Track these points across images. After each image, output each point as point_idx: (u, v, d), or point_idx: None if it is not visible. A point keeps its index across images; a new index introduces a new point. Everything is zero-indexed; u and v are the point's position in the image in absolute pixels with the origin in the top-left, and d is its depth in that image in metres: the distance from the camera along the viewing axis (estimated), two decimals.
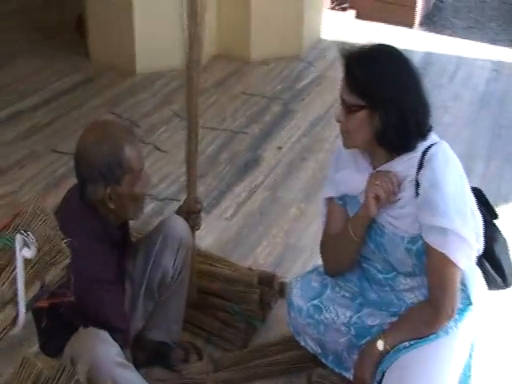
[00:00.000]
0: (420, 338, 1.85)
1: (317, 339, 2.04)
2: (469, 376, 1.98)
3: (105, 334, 1.77)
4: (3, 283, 1.20)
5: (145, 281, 2.07)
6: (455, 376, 1.87)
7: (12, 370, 1.45)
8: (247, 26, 4.75)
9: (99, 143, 1.82)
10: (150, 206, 3.06)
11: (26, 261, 1.22)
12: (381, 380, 1.88)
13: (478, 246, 1.86)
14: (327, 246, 2.03)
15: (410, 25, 5.90)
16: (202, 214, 2.30)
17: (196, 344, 2.31)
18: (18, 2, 5.67)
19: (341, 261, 2.01)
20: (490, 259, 1.98)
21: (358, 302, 2.02)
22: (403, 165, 1.83)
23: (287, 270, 2.74)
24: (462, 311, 1.90)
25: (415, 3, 5.87)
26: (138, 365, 1.99)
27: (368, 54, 1.82)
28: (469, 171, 1.81)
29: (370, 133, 1.80)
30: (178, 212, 2.24)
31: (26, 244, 1.19)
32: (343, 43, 5.10)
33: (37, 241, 1.24)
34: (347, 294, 2.03)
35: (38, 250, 1.22)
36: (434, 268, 1.81)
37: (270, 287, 2.47)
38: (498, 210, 2.06)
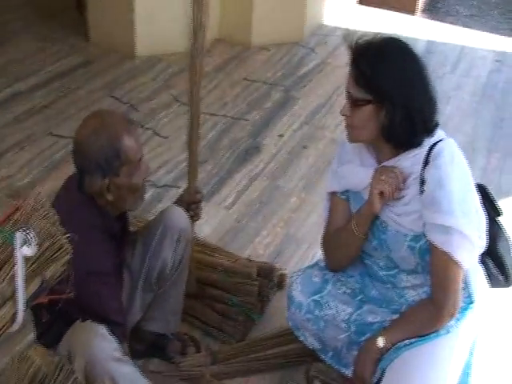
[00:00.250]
0: (421, 336, 1.84)
1: (316, 335, 2.03)
2: (469, 374, 1.97)
3: (102, 329, 1.75)
4: (3, 280, 1.18)
5: (143, 272, 2.05)
6: (456, 374, 1.86)
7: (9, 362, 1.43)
8: (249, 11, 4.69)
9: (97, 134, 1.78)
10: (149, 193, 3.03)
11: (27, 257, 1.19)
12: (381, 377, 1.87)
13: (482, 244, 1.84)
14: (329, 241, 2.01)
15: (413, 11, 5.84)
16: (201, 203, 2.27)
17: (194, 336, 2.29)
18: None
19: (343, 256, 1.99)
20: (492, 257, 1.97)
21: (358, 298, 2.00)
22: (409, 161, 1.80)
23: (286, 260, 2.72)
24: (464, 309, 1.89)
25: None
26: (135, 356, 1.98)
27: (376, 47, 1.78)
28: (469, 164, 1.79)
29: (376, 128, 1.77)
30: (178, 202, 2.21)
31: (26, 241, 1.16)
32: (347, 31, 5.05)
33: (37, 236, 1.21)
34: (348, 291, 2.02)
35: (39, 247, 1.19)
36: (436, 266, 1.79)
37: (269, 279, 2.46)
38: (498, 204, 2.04)
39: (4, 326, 1.19)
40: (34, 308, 1.72)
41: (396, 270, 1.92)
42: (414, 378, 1.79)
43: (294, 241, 2.86)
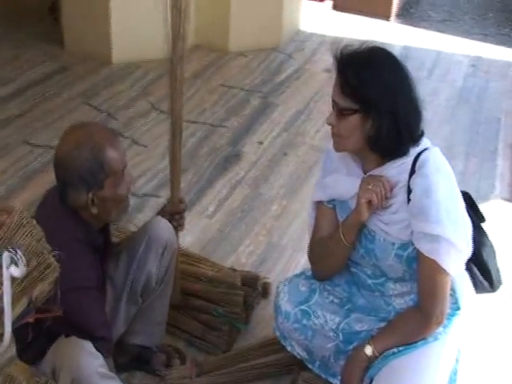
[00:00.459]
0: (409, 344, 1.84)
1: (304, 344, 2.02)
2: (454, 380, 1.97)
3: (88, 344, 1.72)
4: None
5: (127, 285, 2.01)
6: (443, 381, 1.87)
7: None
8: (226, 17, 4.68)
9: (79, 148, 1.74)
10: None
11: (13, 278, 1.16)
12: None
13: (468, 252, 1.84)
14: (316, 250, 2.00)
15: (387, 17, 5.89)
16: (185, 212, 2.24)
17: (178, 348, 2.26)
18: None
19: (330, 265, 1.98)
20: (477, 263, 1.97)
21: (346, 307, 1.99)
22: (395, 170, 1.80)
23: (270, 269, 2.71)
24: (451, 316, 1.90)
25: None
26: (118, 370, 1.94)
27: (362, 56, 1.78)
28: None
29: (363, 137, 1.77)
30: (161, 212, 2.18)
31: (13, 262, 1.13)
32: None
33: (24, 255, 1.18)
34: (336, 300, 2.01)
35: (27, 267, 1.16)
36: (424, 274, 1.79)
37: (253, 288, 2.44)
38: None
39: None
40: (18, 328, 1.68)
41: (383, 278, 1.92)
42: None
43: (276, 249, 2.84)
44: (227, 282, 2.38)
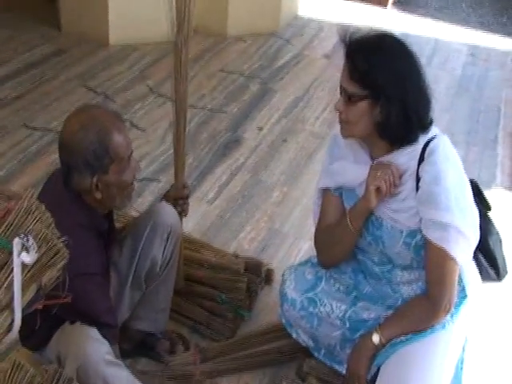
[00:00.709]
0: (416, 332, 1.83)
1: (309, 332, 2.01)
2: (461, 369, 1.97)
3: (94, 331, 1.70)
4: None
5: (132, 271, 1.99)
6: (451, 370, 1.86)
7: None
8: (224, 1, 4.62)
9: (85, 130, 1.71)
10: None
11: (23, 264, 1.13)
12: (376, 374, 1.86)
13: (476, 240, 1.83)
14: (322, 237, 1.98)
15: (384, 4, 5.84)
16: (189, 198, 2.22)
17: (182, 334, 2.24)
18: None
19: (336, 253, 1.96)
20: (484, 252, 1.97)
21: (353, 295, 1.98)
22: (404, 157, 1.78)
23: (272, 255, 2.69)
24: (458, 305, 1.89)
25: None
26: (122, 356, 1.92)
27: (371, 42, 1.76)
28: None
29: (371, 124, 1.75)
30: (165, 198, 2.15)
31: (24, 248, 1.10)
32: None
33: (34, 241, 1.15)
34: (342, 288, 2.00)
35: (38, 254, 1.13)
36: (433, 262, 1.78)
37: (257, 275, 2.42)
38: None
39: (0, 335, 1.13)
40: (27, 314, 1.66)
41: (390, 266, 1.91)
42: (410, 375, 1.78)
43: (278, 235, 2.82)
44: (231, 269, 2.36)
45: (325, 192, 1.99)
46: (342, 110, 1.78)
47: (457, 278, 1.80)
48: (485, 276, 2.00)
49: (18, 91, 3.74)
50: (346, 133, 1.82)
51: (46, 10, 4.66)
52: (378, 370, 1.85)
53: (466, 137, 3.78)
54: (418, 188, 1.76)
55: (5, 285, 1.11)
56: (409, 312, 1.86)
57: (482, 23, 5.90)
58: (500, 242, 2.03)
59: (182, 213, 2.15)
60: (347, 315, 1.95)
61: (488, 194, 2.06)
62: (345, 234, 1.89)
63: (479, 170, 3.44)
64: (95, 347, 1.67)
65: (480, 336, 2.22)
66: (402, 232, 1.82)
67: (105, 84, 3.92)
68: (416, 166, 1.77)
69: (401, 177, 1.79)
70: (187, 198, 2.15)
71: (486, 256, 1.98)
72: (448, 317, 1.84)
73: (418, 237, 1.80)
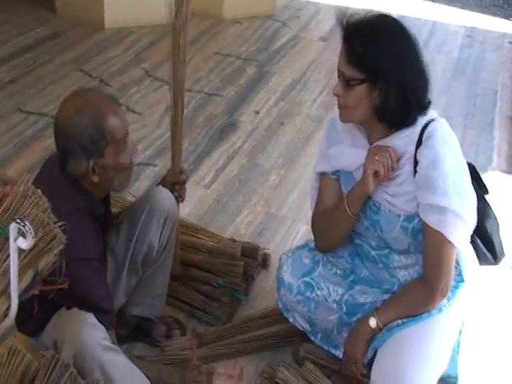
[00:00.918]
0: (413, 316, 1.84)
1: (306, 316, 2.01)
2: (457, 352, 1.98)
3: (90, 317, 1.69)
4: None
5: (128, 256, 1.98)
6: (447, 353, 1.87)
7: None
8: None
9: (80, 114, 1.69)
10: None
11: (20, 249, 1.12)
12: (372, 358, 1.86)
13: (473, 224, 1.83)
14: (320, 221, 1.98)
15: None
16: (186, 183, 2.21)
17: (179, 319, 2.25)
18: None
19: (333, 237, 1.96)
20: (481, 235, 1.97)
21: (350, 279, 1.99)
22: (402, 141, 1.78)
23: (269, 239, 2.68)
24: (455, 288, 1.89)
25: None
26: (119, 341, 1.92)
27: (369, 25, 1.74)
28: None
29: (370, 107, 1.74)
30: (162, 183, 2.14)
31: (21, 233, 1.09)
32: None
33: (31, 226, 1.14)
34: (339, 271, 2.00)
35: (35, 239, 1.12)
36: (430, 247, 1.78)
37: (253, 259, 2.42)
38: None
39: None
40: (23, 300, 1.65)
41: (388, 250, 1.91)
42: (406, 358, 1.79)
43: (275, 219, 2.82)
44: (227, 253, 2.36)
45: (322, 176, 1.98)
46: (340, 94, 1.76)
47: (454, 263, 1.81)
48: (482, 259, 2.00)
49: (12, 75, 3.72)
50: (345, 117, 1.81)
51: None
52: (375, 353, 1.85)
53: (462, 120, 3.78)
54: (415, 172, 1.76)
55: (1, 270, 1.10)
56: (406, 296, 1.86)
57: (479, 5, 5.87)
58: (497, 225, 2.03)
59: (179, 198, 2.14)
60: (344, 299, 1.95)
61: (485, 178, 2.06)
62: (342, 219, 1.88)
63: (476, 154, 3.43)
64: (92, 333, 1.66)
65: (477, 319, 2.22)
66: (399, 216, 1.81)
67: (100, 68, 3.89)
68: (414, 150, 1.76)
69: (398, 160, 1.78)
70: (184, 183, 2.14)
71: (483, 239, 1.98)
72: (445, 301, 1.85)
73: (416, 221, 1.80)
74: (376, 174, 1.77)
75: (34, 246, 1.18)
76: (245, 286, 2.35)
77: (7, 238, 1.12)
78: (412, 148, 1.77)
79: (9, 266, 1.11)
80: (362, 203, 1.84)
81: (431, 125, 1.76)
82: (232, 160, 3.19)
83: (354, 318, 1.94)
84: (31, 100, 3.49)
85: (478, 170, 2.04)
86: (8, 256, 1.12)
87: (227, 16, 4.70)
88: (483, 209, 1.96)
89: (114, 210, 2.20)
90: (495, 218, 2.03)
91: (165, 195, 2.03)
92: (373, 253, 1.93)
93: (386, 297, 1.92)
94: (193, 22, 4.53)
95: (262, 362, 2.12)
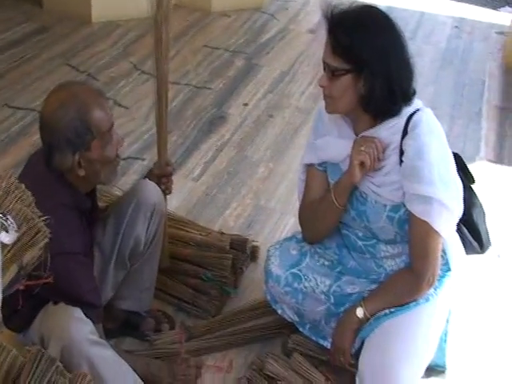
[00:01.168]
0: (400, 306, 1.85)
1: (294, 308, 2.01)
2: (445, 341, 1.99)
3: (77, 311, 1.69)
4: None
5: (115, 250, 1.98)
6: (435, 342, 1.89)
7: None
8: None
9: (64, 108, 1.69)
10: None
11: (3, 244, 1.12)
12: (360, 347, 1.87)
13: (459, 213, 1.84)
14: (307, 213, 1.98)
15: None
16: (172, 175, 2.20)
17: (167, 312, 2.24)
18: None
19: (321, 228, 1.97)
20: (467, 224, 1.98)
21: (337, 270, 1.99)
22: (388, 131, 1.78)
23: (258, 232, 2.69)
24: (442, 277, 1.91)
25: None
26: (107, 336, 1.92)
27: (353, 16, 1.74)
28: None
29: (355, 98, 1.75)
30: (149, 176, 2.14)
31: (3, 228, 1.09)
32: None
33: (14, 221, 1.14)
34: (326, 263, 2.00)
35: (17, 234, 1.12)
36: (416, 236, 1.79)
37: (242, 252, 2.42)
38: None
39: None
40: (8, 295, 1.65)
41: (374, 240, 1.91)
42: (394, 348, 1.80)
43: (264, 211, 2.82)
44: (216, 246, 2.36)
45: (309, 167, 1.98)
46: (325, 85, 1.77)
47: (440, 252, 1.82)
48: (468, 248, 2.01)
49: None
50: (331, 108, 1.82)
51: None
52: (363, 343, 1.86)
53: (450, 110, 3.78)
54: (401, 162, 1.77)
55: None
56: (392, 286, 1.87)
57: None
58: (483, 214, 2.04)
59: (166, 191, 2.14)
60: (332, 290, 1.96)
61: (472, 167, 2.07)
62: (329, 210, 1.89)
63: (464, 144, 3.44)
64: (79, 327, 1.66)
65: (464, 308, 2.24)
66: (385, 206, 1.82)
67: (88, 62, 3.88)
68: (399, 140, 1.77)
69: (384, 151, 1.79)
70: (171, 175, 2.14)
71: (470, 229, 1.99)
72: (431, 290, 1.86)
73: (402, 211, 1.81)
74: (362, 164, 1.78)
75: (18, 240, 1.18)
76: (234, 278, 2.35)
77: None
78: (398, 138, 1.77)
79: None
80: (348, 194, 1.85)
81: (416, 115, 1.77)
82: (221, 152, 3.19)
83: (342, 309, 1.94)
84: (19, 95, 3.47)
85: (466, 159, 2.05)
86: None
87: (215, 9, 4.69)
88: (469, 198, 1.97)
89: (100, 204, 2.20)
90: (481, 207, 2.04)
91: (151, 188, 2.02)
92: (360, 243, 1.94)
93: (373, 287, 1.93)
94: (181, 14, 4.57)
95: (251, 354, 2.13)
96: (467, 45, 4.72)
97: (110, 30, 4.25)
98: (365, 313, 1.86)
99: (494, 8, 5.64)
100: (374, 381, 1.78)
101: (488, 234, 2.04)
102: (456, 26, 5.00)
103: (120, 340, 2.13)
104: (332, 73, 1.74)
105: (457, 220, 1.84)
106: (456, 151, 2.02)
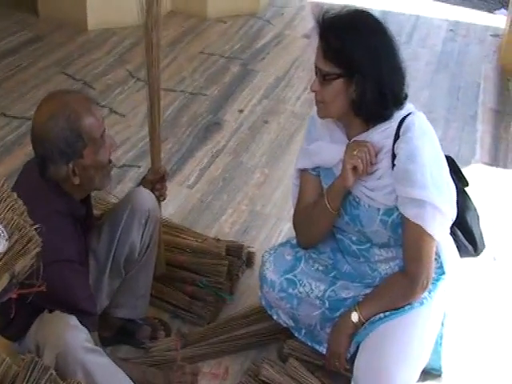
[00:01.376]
0: (395, 309, 1.85)
1: (290, 313, 2.02)
2: (440, 344, 1.99)
3: (72, 319, 1.69)
4: None
5: (110, 257, 1.98)
6: (430, 345, 1.89)
7: None
8: None
9: (54, 118, 1.69)
10: None
11: None
12: (355, 352, 1.88)
13: (452, 216, 1.85)
14: (301, 217, 1.99)
15: None
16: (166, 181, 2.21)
17: (163, 320, 2.24)
18: None
19: (315, 233, 1.97)
20: (461, 227, 1.99)
21: (332, 275, 1.99)
22: (380, 135, 1.79)
23: (253, 238, 2.69)
24: (436, 281, 1.91)
25: None
26: (103, 344, 1.91)
27: (344, 20, 1.76)
28: None
29: (347, 102, 1.76)
30: (143, 182, 2.14)
31: None
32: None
33: (5, 229, 1.14)
34: (321, 268, 2.01)
35: (9, 242, 1.13)
36: (410, 240, 1.80)
37: (238, 258, 2.42)
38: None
39: None
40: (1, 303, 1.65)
41: (368, 244, 1.92)
42: (389, 351, 1.81)
43: (259, 217, 2.82)
44: (212, 253, 2.37)
45: (303, 172, 1.99)
46: (317, 90, 1.79)
47: (434, 255, 1.82)
48: (463, 251, 2.01)
49: None
50: (323, 113, 1.83)
51: None
52: (358, 347, 1.86)
53: (445, 113, 3.79)
54: (393, 165, 1.77)
55: None
56: (387, 290, 1.87)
57: None
58: (477, 217, 2.05)
59: (160, 197, 2.14)
60: (326, 295, 1.96)
61: (468, 170, 2.09)
62: (323, 214, 1.89)
63: (459, 146, 3.45)
64: (74, 335, 1.66)
65: (459, 311, 2.23)
66: (378, 210, 1.83)
67: (83, 70, 3.89)
68: (392, 144, 1.78)
69: (377, 155, 1.80)
70: (164, 180, 2.15)
71: (464, 232, 2.00)
72: (426, 293, 1.86)
73: (395, 214, 1.81)
74: (355, 168, 1.79)
75: (10, 248, 1.18)
76: (229, 284, 2.35)
77: None
78: (390, 142, 1.78)
79: None
80: (341, 198, 1.85)
81: (408, 118, 1.78)
82: (216, 159, 3.20)
83: (337, 314, 1.94)
84: (15, 104, 3.48)
85: (461, 162, 2.07)
86: None
87: (211, 15, 4.70)
88: (463, 201, 1.98)
89: (96, 211, 2.21)
90: (475, 209, 2.05)
91: (146, 195, 2.03)
92: (354, 247, 1.94)
93: (368, 291, 1.93)
94: (176, 21, 4.59)
95: (246, 361, 2.13)
96: (462, 48, 4.73)
97: (105, 38, 4.27)
98: (359, 317, 1.87)
99: (490, 11, 5.66)
100: None
101: (482, 237, 2.05)
102: (451, 29, 5.01)
103: (116, 348, 2.13)
104: (323, 77, 1.75)
105: (450, 223, 1.85)
106: (451, 154, 2.03)
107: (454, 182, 1.90)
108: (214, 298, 2.27)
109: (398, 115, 1.79)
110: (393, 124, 1.78)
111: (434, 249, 1.82)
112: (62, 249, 1.73)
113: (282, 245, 2.09)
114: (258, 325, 2.22)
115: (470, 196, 2.05)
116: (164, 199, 2.17)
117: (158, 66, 1.97)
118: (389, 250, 1.91)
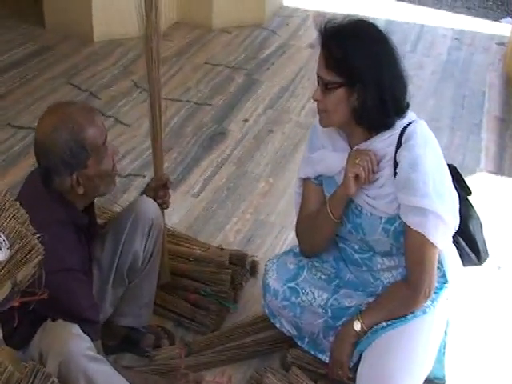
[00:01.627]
0: (397, 318, 1.85)
1: (293, 321, 2.02)
2: (443, 353, 1.99)
3: (75, 327, 1.70)
4: None
5: (114, 266, 1.99)
6: (433, 354, 1.88)
7: None
8: None
9: (58, 130, 1.71)
10: None
11: None
12: (358, 361, 1.87)
13: (455, 225, 1.85)
14: (303, 226, 1.99)
15: None
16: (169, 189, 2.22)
17: (167, 328, 2.25)
18: None
19: (317, 241, 1.98)
20: (464, 236, 1.98)
21: (334, 283, 2.00)
22: (382, 143, 1.80)
23: (258, 246, 2.69)
24: (439, 290, 1.91)
25: None
26: (107, 352, 1.93)
27: (346, 29, 1.76)
28: None
29: (348, 111, 1.77)
30: (146, 191, 2.15)
31: None
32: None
33: (7, 238, 1.15)
34: (324, 276, 2.01)
35: (10, 250, 1.14)
36: (412, 248, 1.79)
37: (241, 267, 2.43)
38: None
39: None
40: (3, 312, 1.66)
41: (371, 253, 1.92)
42: (392, 360, 1.80)
43: (264, 226, 2.83)
44: (215, 261, 2.37)
45: (305, 181, 2.00)
46: (319, 99, 1.80)
47: (436, 263, 1.82)
48: (466, 260, 2.01)
49: (1, 91, 3.73)
50: (325, 122, 1.84)
51: (30, 8, 4.64)
52: (361, 356, 1.86)
53: (450, 122, 3.79)
54: (395, 174, 1.77)
55: None
56: (389, 298, 1.87)
57: (468, 8, 5.90)
58: (481, 226, 2.04)
59: (164, 205, 2.15)
60: (329, 303, 1.96)
61: (472, 179, 2.08)
62: (325, 223, 1.90)
63: (464, 155, 3.44)
64: (77, 343, 1.67)
65: (462, 319, 2.23)
66: (380, 218, 1.83)
67: (89, 81, 3.91)
68: (394, 152, 1.78)
69: (379, 163, 1.80)
70: (167, 188, 2.15)
71: (467, 240, 2.00)
72: (429, 302, 1.86)
73: (397, 223, 1.82)
74: (357, 177, 1.79)
75: (12, 257, 1.20)
76: (233, 293, 2.36)
77: None
78: (392, 150, 1.78)
79: None
80: (343, 206, 1.86)
81: (411, 126, 1.79)
82: (221, 168, 3.21)
83: (340, 322, 1.95)
84: (21, 115, 3.50)
85: (466, 171, 2.07)
86: None
87: (216, 25, 4.73)
88: (466, 210, 1.98)
89: (100, 220, 2.22)
90: (478, 218, 2.04)
91: (149, 204, 2.04)
92: (356, 256, 1.94)
93: (370, 300, 1.93)
94: (181, 32, 4.62)
95: (250, 369, 2.13)
96: (468, 56, 4.73)
97: (111, 49, 4.30)
98: (362, 326, 1.87)
99: (496, 19, 5.67)
100: None
101: (486, 246, 2.04)
102: (456, 38, 5.02)
103: (120, 356, 2.14)
104: (325, 86, 1.76)
105: (453, 232, 1.85)
106: (456, 163, 2.03)
107: (457, 190, 1.90)
108: (217, 307, 2.27)
109: (400, 123, 1.79)
110: (395, 132, 1.79)
111: (437, 257, 1.82)
112: (65, 258, 1.74)
113: (285, 253, 2.10)
114: (262, 334, 2.22)
115: (474, 204, 2.04)
116: (167, 207, 2.18)
117: (158, 72, 1.98)
118: (391, 258, 1.91)
